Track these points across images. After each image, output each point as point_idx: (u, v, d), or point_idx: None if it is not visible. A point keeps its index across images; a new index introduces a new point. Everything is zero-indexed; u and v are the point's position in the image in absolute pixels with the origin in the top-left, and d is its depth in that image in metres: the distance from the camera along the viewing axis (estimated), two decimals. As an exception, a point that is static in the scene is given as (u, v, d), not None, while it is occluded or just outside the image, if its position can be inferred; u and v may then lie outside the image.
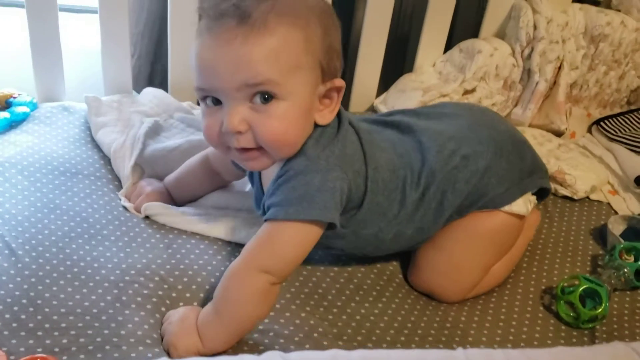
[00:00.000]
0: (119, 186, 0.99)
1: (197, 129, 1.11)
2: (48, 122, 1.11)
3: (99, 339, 0.72)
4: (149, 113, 1.14)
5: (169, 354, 0.73)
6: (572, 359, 0.50)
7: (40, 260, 0.82)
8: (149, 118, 1.10)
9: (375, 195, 0.78)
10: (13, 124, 1.08)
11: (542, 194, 0.88)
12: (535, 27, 1.17)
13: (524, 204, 0.83)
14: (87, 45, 1.42)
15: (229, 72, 0.69)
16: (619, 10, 1.24)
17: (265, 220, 0.75)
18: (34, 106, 1.13)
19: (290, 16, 0.70)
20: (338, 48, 0.75)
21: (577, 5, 1.22)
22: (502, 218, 0.83)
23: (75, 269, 0.82)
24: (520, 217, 0.84)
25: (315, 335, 0.77)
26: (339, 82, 0.75)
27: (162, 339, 0.75)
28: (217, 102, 0.73)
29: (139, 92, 1.25)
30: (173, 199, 0.96)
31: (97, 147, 1.06)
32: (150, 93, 1.20)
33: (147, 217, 0.93)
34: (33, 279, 0.79)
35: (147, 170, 1.01)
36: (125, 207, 0.94)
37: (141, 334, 0.74)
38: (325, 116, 0.75)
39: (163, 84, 1.26)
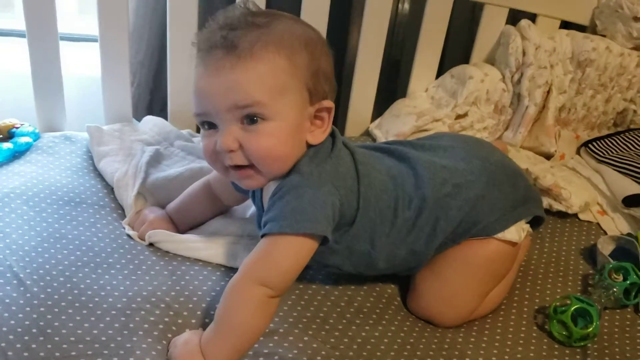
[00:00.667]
0: (122, 215, 1.01)
1: (197, 156, 1.14)
2: (51, 152, 1.13)
3: (112, 363, 0.75)
4: (149, 141, 1.17)
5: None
6: None
7: (49, 290, 0.84)
8: (150, 147, 1.13)
9: (367, 212, 0.81)
10: (16, 154, 1.10)
11: (535, 222, 0.91)
12: (524, 53, 1.21)
13: (517, 232, 0.86)
14: (85, 74, 1.45)
15: (220, 96, 0.74)
16: (604, 36, 1.28)
17: (262, 236, 0.78)
18: (36, 136, 1.16)
19: (276, 44, 0.75)
20: (327, 72, 0.80)
21: (564, 31, 1.27)
22: (495, 245, 0.86)
23: (83, 298, 0.84)
24: (514, 244, 0.87)
25: (319, 358, 0.79)
26: (328, 104, 0.79)
27: (169, 365, 0.77)
28: (212, 126, 0.78)
29: (138, 120, 1.28)
30: (176, 225, 0.99)
31: (99, 176, 1.09)
32: (151, 121, 1.22)
33: (151, 245, 0.95)
34: (42, 308, 0.81)
35: (149, 199, 1.04)
36: (129, 236, 0.97)
37: (156, 356, 0.76)
38: (317, 136, 0.80)
39: (162, 112, 1.29)
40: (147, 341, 0.79)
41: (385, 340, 0.84)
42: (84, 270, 0.88)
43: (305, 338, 0.82)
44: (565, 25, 1.32)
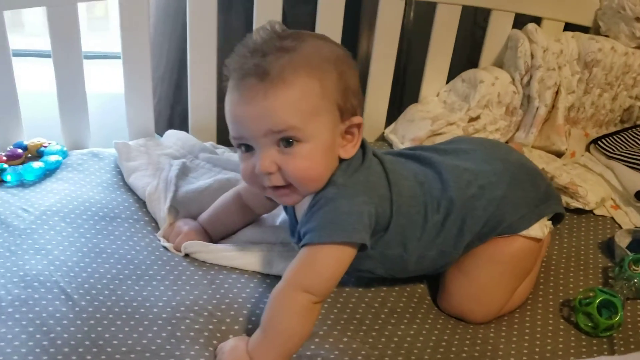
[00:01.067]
0: (156, 228, 1.05)
1: (222, 168, 1.17)
2: (80, 169, 1.17)
3: (162, 373, 0.78)
4: (175, 155, 1.21)
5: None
6: None
7: (96, 303, 0.87)
8: (177, 160, 1.16)
9: (400, 218, 0.85)
10: (47, 173, 1.14)
11: (556, 218, 0.95)
12: (532, 56, 1.25)
13: (540, 228, 0.90)
14: (101, 91, 1.48)
15: (255, 123, 0.78)
16: (608, 36, 1.33)
17: (302, 246, 0.82)
18: (64, 154, 1.19)
19: (306, 68, 0.78)
20: (355, 88, 0.83)
21: (570, 33, 1.31)
22: (520, 242, 0.90)
23: (129, 309, 0.87)
24: (538, 240, 0.91)
25: (360, 358, 0.83)
26: (357, 120, 0.83)
27: (218, 370, 0.80)
28: (249, 148, 0.81)
29: (159, 134, 1.31)
30: (209, 236, 1.02)
31: (130, 190, 1.12)
32: (174, 135, 1.26)
33: (186, 255, 0.99)
34: (92, 321, 0.84)
35: (181, 211, 1.07)
36: (165, 248, 1.00)
37: (204, 363, 0.80)
38: (349, 150, 0.83)
39: (183, 126, 1.32)
40: (195, 348, 0.82)
41: (421, 338, 0.88)
42: (126, 282, 0.92)
43: (345, 339, 0.86)
44: (569, 27, 1.37)
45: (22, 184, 1.10)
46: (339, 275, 0.81)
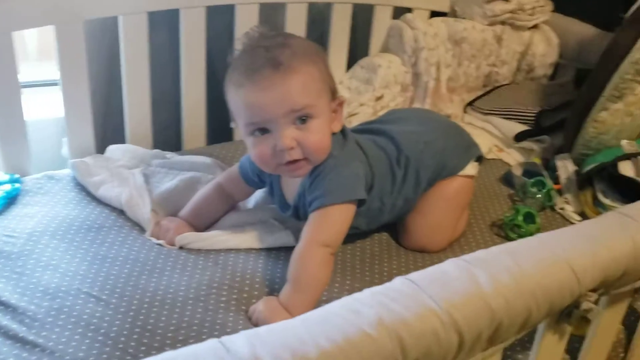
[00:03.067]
0: (141, 230, 1.12)
1: (178, 169, 1.27)
2: (42, 192, 1.19)
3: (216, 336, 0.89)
4: (128, 166, 1.28)
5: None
6: (573, 235, 0.79)
7: (126, 298, 0.95)
8: (135, 169, 1.25)
9: (378, 177, 1.04)
10: (9, 201, 1.16)
11: (478, 160, 1.20)
12: (415, 40, 1.51)
13: (472, 168, 1.15)
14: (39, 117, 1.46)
15: (277, 105, 0.91)
16: (464, 18, 1.64)
17: (312, 210, 0.97)
18: (18, 180, 1.21)
19: (305, 57, 0.94)
20: (331, 73, 1.01)
21: (439, 18, 1.59)
22: (460, 181, 1.13)
23: (158, 297, 0.96)
24: (471, 177, 1.16)
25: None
26: (342, 98, 1.01)
27: (257, 328, 0.94)
28: (264, 132, 0.94)
29: (98, 152, 1.36)
30: (195, 227, 1.13)
31: (101, 203, 1.17)
32: (119, 149, 1.32)
33: (181, 248, 1.09)
34: (131, 313, 0.92)
35: (160, 212, 1.16)
36: (160, 244, 1.09)
37: (244, 324, 0.92)
38: (337, 126, 1.01)
39: (116, 140, 1.38)
40: (230, 315, 0.94)
41: (403, 269, 1.08)
42: (142, 278, 1.00)
43: (347, 281, 1.03)
44: (433, 14, 1.66)
45: (-12, 216, 1.11)
46: (347, 228, 0.98)
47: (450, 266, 0.69)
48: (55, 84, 1.28)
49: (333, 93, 0.99)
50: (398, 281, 0.66)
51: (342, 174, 0.97)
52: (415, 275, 0.67)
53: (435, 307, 0.62)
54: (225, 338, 0.54)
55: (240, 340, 0.54)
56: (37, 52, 1.45)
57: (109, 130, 1.42)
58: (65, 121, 1.29)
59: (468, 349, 0.65)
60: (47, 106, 1.40)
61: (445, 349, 0.62)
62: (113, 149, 1.33)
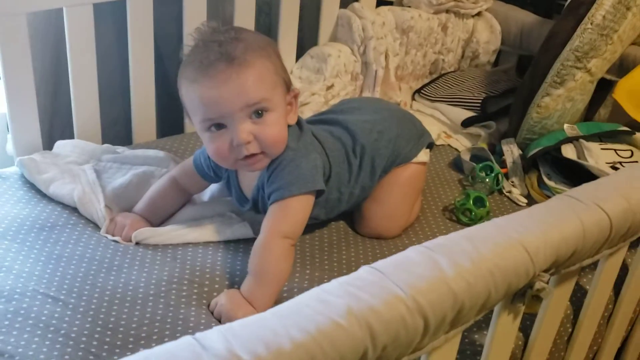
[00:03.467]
0: (96, 227, 1.10)
1: (130, 164, 1.25)
2: (-12, 192, 1.16)
3: (178, 334, 0.89)
4: (78, 162, 1.25)
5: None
6: (526, 218, 0.83)
7: (84, 297, 0.94)
8: (86, 165, 1.22)
9: (335, 168, 1.06)
10: (-47, 202, 1.12)
11: (429, 147, 1.23)
12: (364, 29, 1.53)
13: (424, 155, 1.18)
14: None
15: (232, 100, 0.91)
16: (410, 7, 1.66)
17: (272, 202, 0.98)
18: (-39, 181, 1.17)
19: (258, 51, 0.94)
20: (284, 66, 1.01)
21: (386, 7, 1.61)
22: (413, 168, 1.16)
23: (118, 295, 0.95)
24: (424, 164, 1.19)
25: (326, 279, 1.02)
26: (297, 91, 1.02)
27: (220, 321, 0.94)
28: (220, 127, 0.94)
29: (46, 148, 1.32)
30: (150, 222, 1.12)
31: (53, 201, 1.14)
32: (67, 145, 1.29)
33: (137, 244, 1.08)
34: (91, 312, 0.91)
35: (114, 208, 1.15)
36: (116, 241, 1.08)
37: (207, 318, 0.92)
38: (292, 118, 1.02)
39: (64, 136, 1.35)
40: (192, 310, 0.94)
41: (361, 257, 1.11)
42: (100, 276, 0.99)
43: (307, 271, 1.05)
44: (379, 3, 1.67)
45: None
46: (306, 219, 0.99)
47: (412, 253, 0.71)
48: (-2, 79, 1.23)
49: (287, 86, 0.99)
50: (364, 270, 0.67)
51: (300, 165, 0.98)
52: (380, 263, 0.69)
53: (401, 293, 0.64)
54: (199, 334, 0.55)
55: (215, 335, 0.55)
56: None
57: (56, 125, 1.38)
58: (9, 117, 1.24)
59: (432, 332, 0.67)
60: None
61: (412, 334, 0.64)
62: (61, 145, 1.30)
